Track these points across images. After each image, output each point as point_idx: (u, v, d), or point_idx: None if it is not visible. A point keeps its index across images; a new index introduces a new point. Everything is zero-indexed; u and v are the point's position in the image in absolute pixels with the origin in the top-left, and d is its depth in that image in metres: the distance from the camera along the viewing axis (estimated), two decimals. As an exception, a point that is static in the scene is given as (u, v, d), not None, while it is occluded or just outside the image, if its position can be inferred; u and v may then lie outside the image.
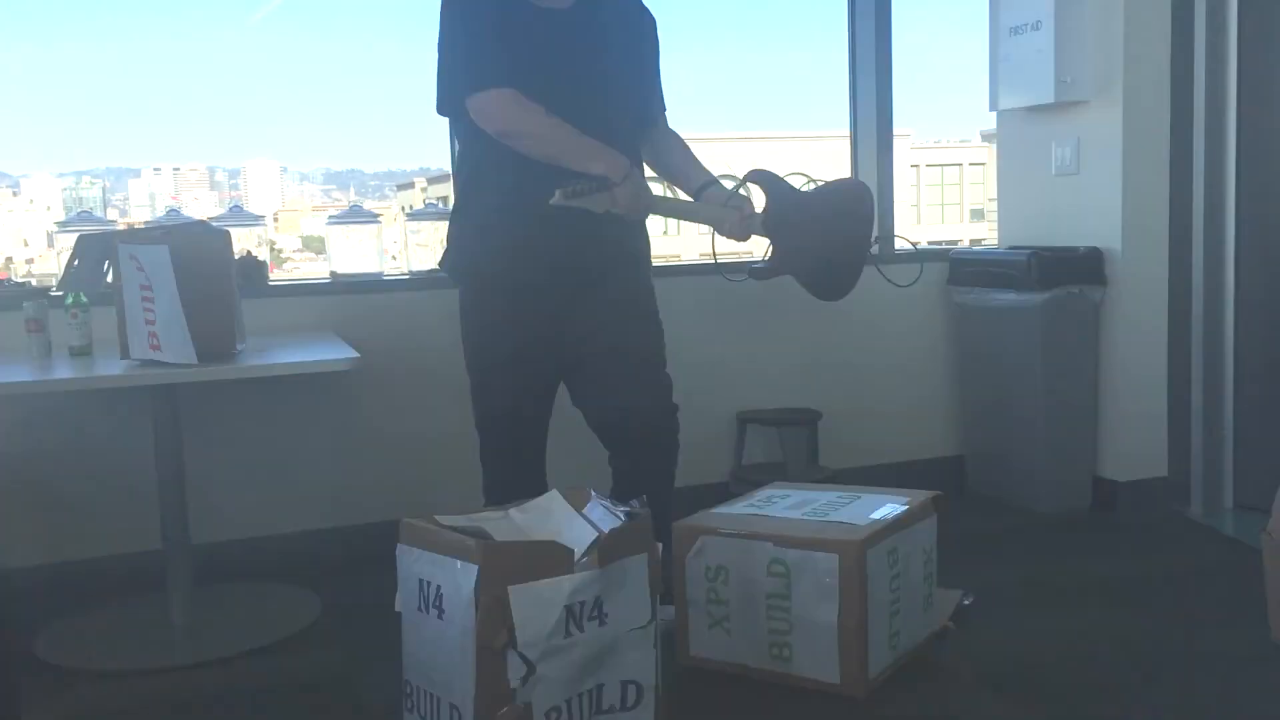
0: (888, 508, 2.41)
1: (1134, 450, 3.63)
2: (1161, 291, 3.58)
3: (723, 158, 2.83)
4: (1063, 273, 3.52)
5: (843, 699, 2.25)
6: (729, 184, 2.58)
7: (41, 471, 3.10)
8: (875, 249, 2.62)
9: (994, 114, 3.91)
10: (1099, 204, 3.56)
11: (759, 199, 2.58)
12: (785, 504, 2.50)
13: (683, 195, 2.66)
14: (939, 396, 3.99)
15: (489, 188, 2.53)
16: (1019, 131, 3.87)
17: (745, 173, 2.55)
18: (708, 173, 2.63)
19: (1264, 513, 2.45)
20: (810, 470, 3.62)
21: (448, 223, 2.68)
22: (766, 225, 2.53)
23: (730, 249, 2.84)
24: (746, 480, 3.61)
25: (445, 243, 2.67)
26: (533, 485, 2.52)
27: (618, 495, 2.55)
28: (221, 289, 2.59)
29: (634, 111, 2.60)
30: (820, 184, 2.66)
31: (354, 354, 2.62)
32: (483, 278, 2.58)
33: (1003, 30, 3.68)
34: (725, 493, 3.58)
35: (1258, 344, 3.49)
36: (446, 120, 3.63)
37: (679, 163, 2.67)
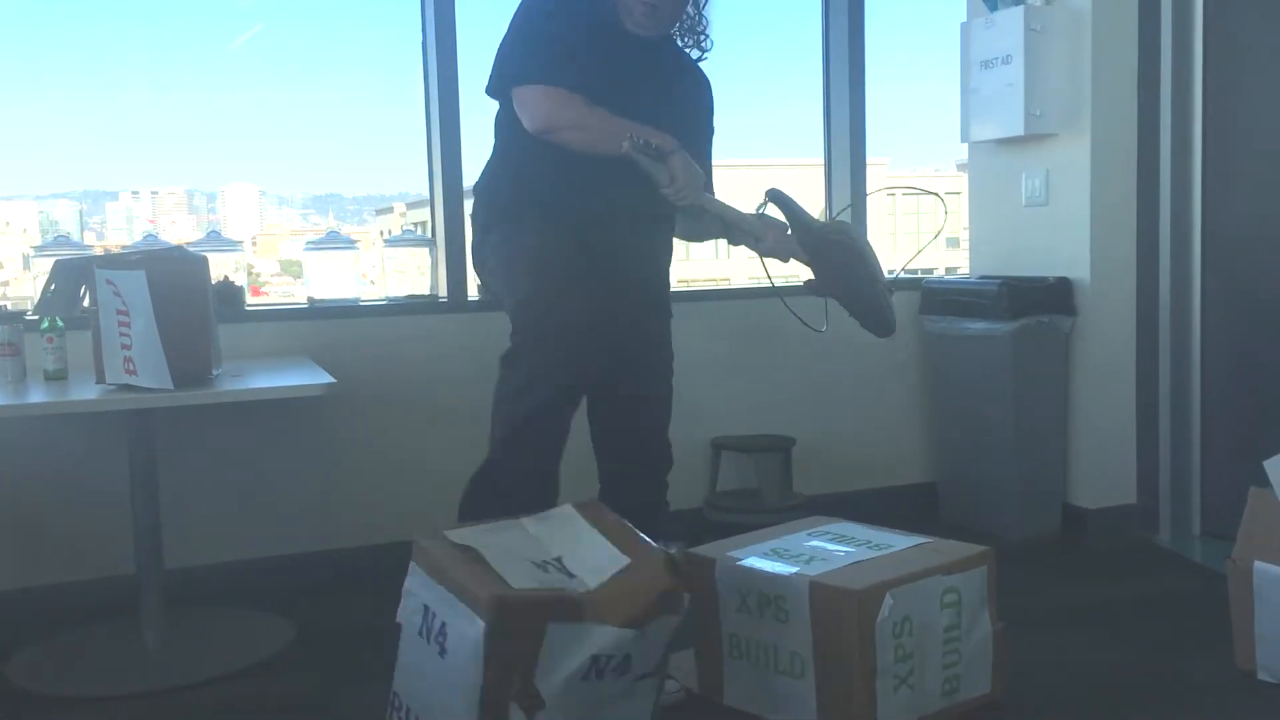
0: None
1: (1103, 478, 3.67)
2: (1129, 321, 3.63)
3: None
4: (1032, 302, 3.57)
5: (993, 709, 2.32)
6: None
7: (15, 495, 3.10)
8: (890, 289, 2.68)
9: (966, 145, 3.98)
10: (1068, 235, 3.62)
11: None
12: (833, 543, 2.41)
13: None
14: (911, 424, 4.03)
15: (526, 190, 2.57)
16: (990, 163, 3.94)
17: (767, 190, 2.59)
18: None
19: (1231, 540, 2.49)
20: (784, 497, 3.65)
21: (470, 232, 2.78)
22: (804, 247, 2.58)
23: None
24: (720, 507, 3.64)
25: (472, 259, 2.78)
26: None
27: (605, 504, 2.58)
28: (198, 314, 2.60)
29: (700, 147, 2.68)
30: (825, 222, 2.72)
31: (330, 379, 2.63)
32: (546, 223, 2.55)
33: (974, 64, 3.74)
34: (699, 519, 3.61)
35: (1223, 374, 3.55)
36: (427, 145, 3.69)
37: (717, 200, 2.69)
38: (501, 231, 2.60)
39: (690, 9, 2.69)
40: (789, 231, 2.59)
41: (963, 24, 3.81)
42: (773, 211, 2.61)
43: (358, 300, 3.51)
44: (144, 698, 2.54)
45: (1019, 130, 3.58)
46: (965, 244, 4.15)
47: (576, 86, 2.43)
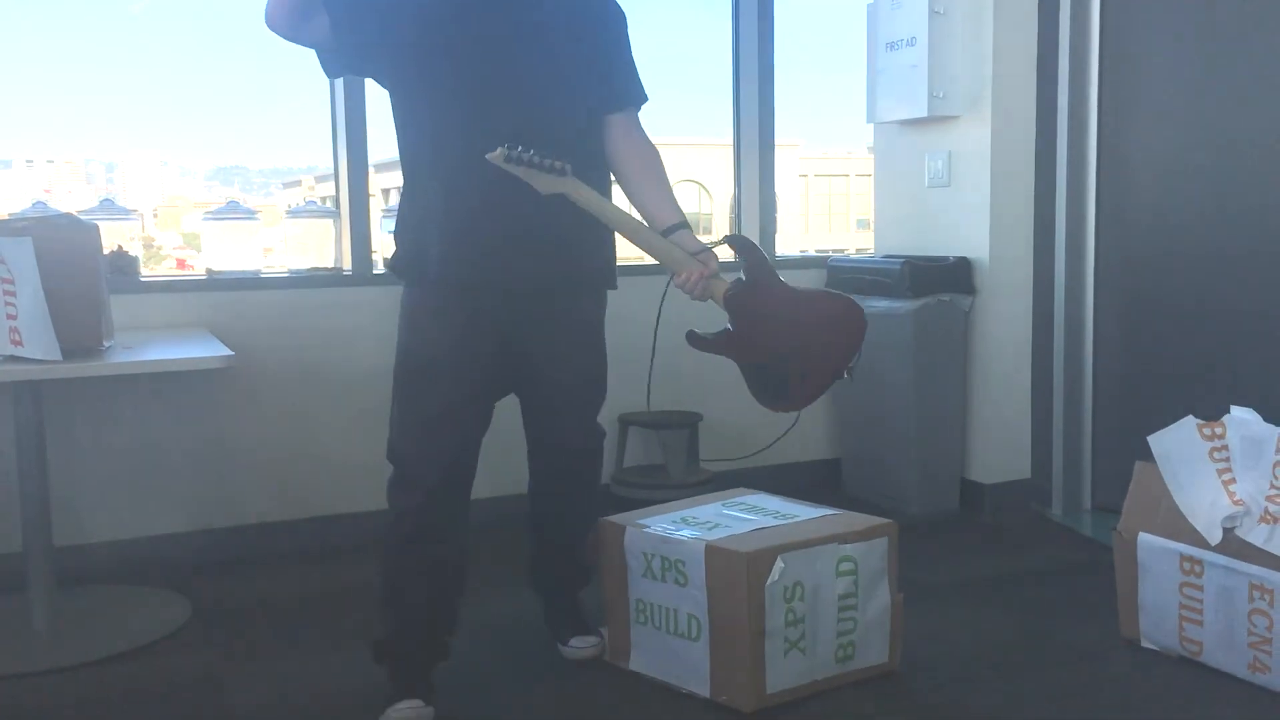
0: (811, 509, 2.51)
1: (999, 454, 3.76)
2: (1026, 301, 3.72)
3: None
4: (934, 281, 3.63)
5: (887, 678, 2.39)
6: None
7: (-106, 471, 2.99)
8: (848, 376, 2.36)
9: (872, 126, 4.03)
10: (969, 215, 3.69)
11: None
12: (743, 512, 2.47)
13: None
14: (816, 401, 4.07)
15: (425, 175, 2.27)
16: (895, 144, 3.99)
17: (727, 235, 2.36)
18: (681, 214, 2.32)
19: (1120, 513, 2.57)
20: (690, 472, 3.67)
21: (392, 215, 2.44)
22: (732, 298, 2.28)
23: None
24: (627, 483, 3.65)
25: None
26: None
27: (535, 492, 2.55)
28: (88, 284, 2.52)
29: (569, 98, 2.29)
30: (813, 290, 2.50)
31: (227, 352, 2.58)
32: (423, 273, 2.29)
33: (880, 45, 3.79)
34: (607, 494, 3.61)
35: (1115, 352, 3.65)
36: (332, 117, 3.61)
37: (649, 192, 2.34)
38: None
39: None
40: (733, 282, 2.30)
41: (869, 5, 3.85)
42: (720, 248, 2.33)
43: (258, 272, 3.44)
44: (30, 677, 2.47)
45: (922, 112, 3.63)
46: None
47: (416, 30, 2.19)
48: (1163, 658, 2.49)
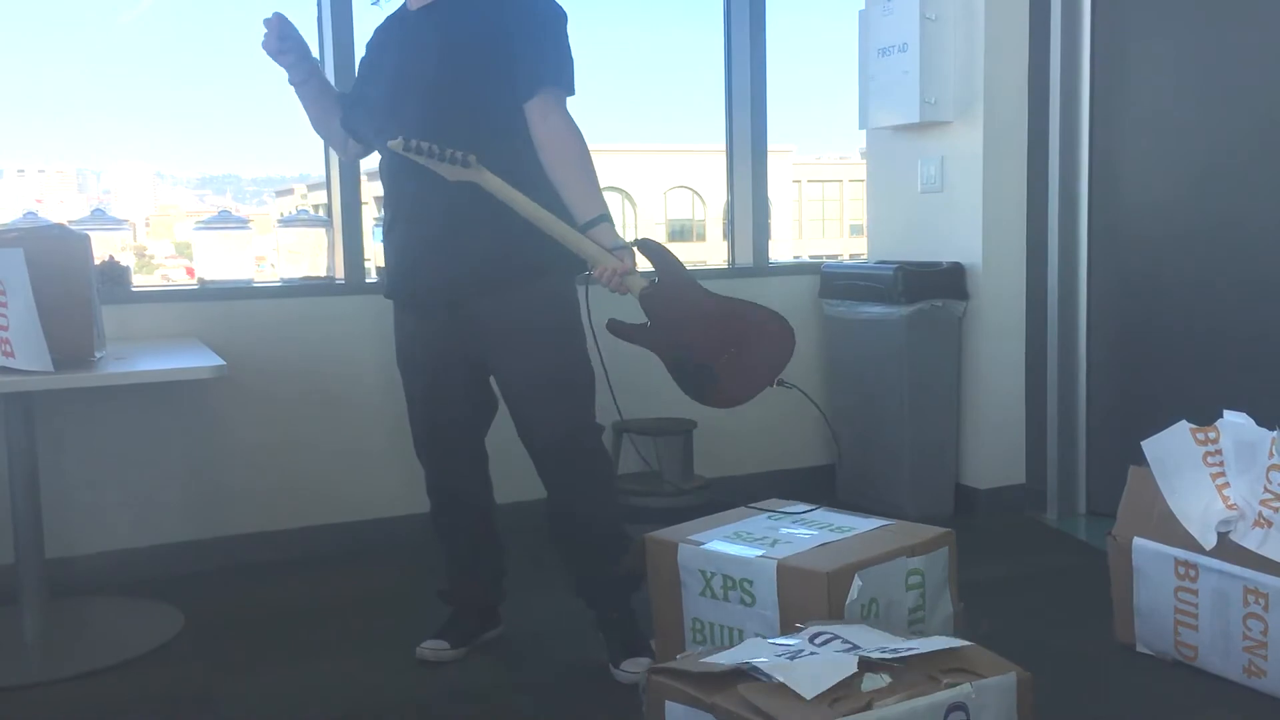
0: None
1: (994, 459, 3.76)
2: (1019, 306, 3.72)
3: (605, 169, 2.69)
4: (927, 287, 3.63)
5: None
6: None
7: (-116, 483, 2.97)
8: (778, 385, 2.44)
9: (864, 132, 4.03)
10: (961, 220, 3.69)
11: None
12: (796, 526, 2.35)
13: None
14: (810, 407, 4.06)
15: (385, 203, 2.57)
16: (887, 150, 3.99)
17: (638, 239, 2.37)
18: (602, 206, 2.36)
19: (1114, 518, 2.56)
20: (685, 479, 3.67)
21: None
22: (646, 297, 2.37)
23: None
24: (623, 490, 3.64)
25: None
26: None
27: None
28: (80, 294, 2.51)
29: (485, 90, 2.34)
30: (731, 298, 2.45)
31: (219, 362, 2.57)
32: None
33: (872, 52, 3.79)
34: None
35: (1108, 357, 3.66)
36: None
37: (569, 184, 2.35)
38: None
39: None
40: (643, 274, 2.37)
41: (861, 11, 3.86)
42: (642, 260, 2.40)
43: (250, 281, 3.43)
44: (22, 690, 2.46)
45: (914, 118, 3.63)
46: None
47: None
48: (1158, 663, 2.48)
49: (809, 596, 2.06)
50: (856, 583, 2.06)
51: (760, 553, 2.16)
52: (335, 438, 3.41)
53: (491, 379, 2.54)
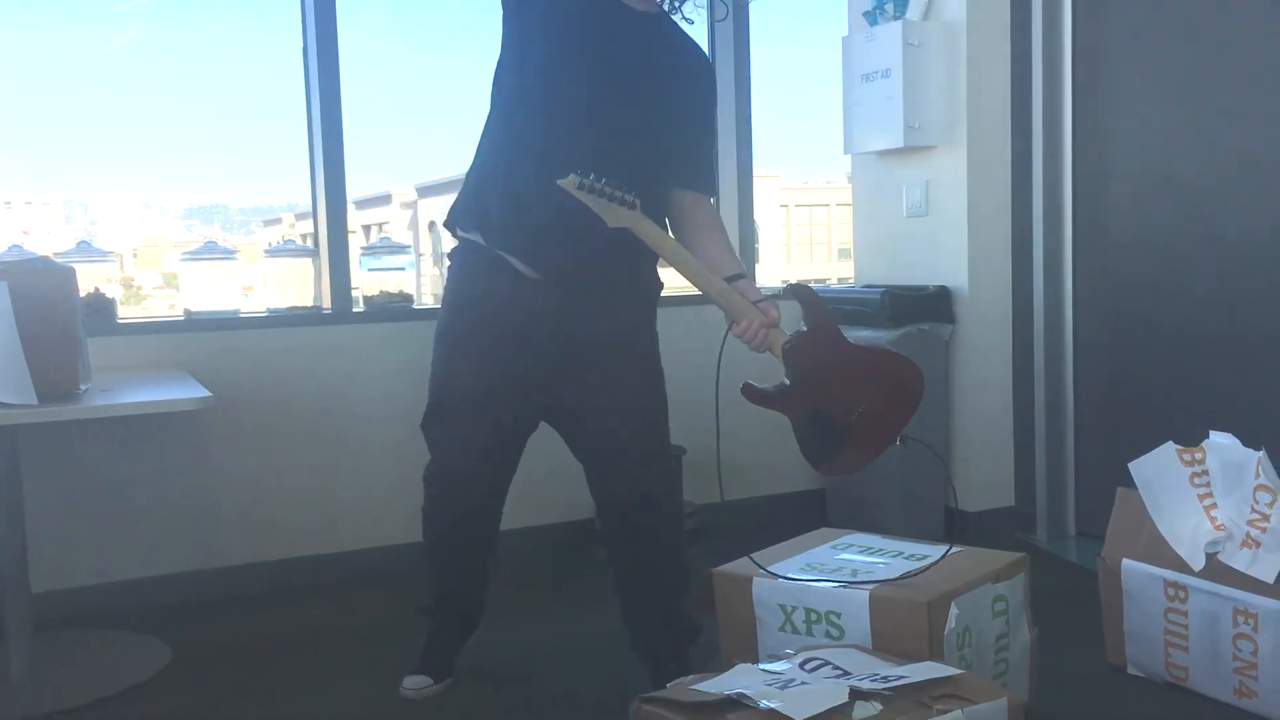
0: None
1: (983, 481, 3.76)
2: (1006, 329, 3.73)
3: None
4: (914, 310, 3.65)
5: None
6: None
7: None
8: (901, 443, 2.27)
9: (849, 157, 4.05)
10: (947, 244, 3.71)
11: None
12: (864, 555, 2.29)
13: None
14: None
15: (493, 188, 2.34)
16: (873, 174, 4.01)
17: (790, 284, 2.32)
18: (741, 265, 2.37)
19: (1104, 540, 2.57)
20: (674, 505, 3.66)
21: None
22: (791, 350, 2.25)
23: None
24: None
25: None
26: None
27: (612, 552, 2.54)
28: (64, 327, 2.50)
29: (659, 157, 2.36)
30: (876, 349, 2.44)
31: (205, 393, 2.56)
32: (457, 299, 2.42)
33: (855, 77, 3.82)
34: (590, 529, 3.60)
35: (1095, 379, 3.67)
36: (310, 154, 3.61)
37: (712, 246, 2.35)
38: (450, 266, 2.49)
39: None
40: (794, 334, 2.28)
41: (844, 38, 3.89)
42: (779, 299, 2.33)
43: (237, 312, 3.42)
44: (7, 727, 2.44)
45: (899, 142, 3.66)
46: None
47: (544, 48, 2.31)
48: (1149, 684, 2.48)
49: (906, 627, 1.99)
50: (954, 611, 2.00)
51: (845, 583, 2.09)
52: (322, 467, 3.40)
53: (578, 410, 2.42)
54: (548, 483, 3.18)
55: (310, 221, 3.70)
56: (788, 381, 2.28)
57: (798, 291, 2.31)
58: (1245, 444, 2.36)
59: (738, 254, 2.50)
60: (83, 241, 3.40)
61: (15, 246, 3.16)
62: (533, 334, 2.34)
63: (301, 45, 3.53)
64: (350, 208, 3.62)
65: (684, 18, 2.49)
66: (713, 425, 2.37)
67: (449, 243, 2.54)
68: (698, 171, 2.43)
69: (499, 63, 2.39)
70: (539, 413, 2.44)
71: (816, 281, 4.58)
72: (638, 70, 2.34)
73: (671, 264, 2.25)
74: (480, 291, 2.39)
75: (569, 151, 2.23)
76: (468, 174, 2.43)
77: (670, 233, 2.36)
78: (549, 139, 2.29)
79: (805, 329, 2.28)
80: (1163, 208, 3.48)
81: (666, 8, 2.44)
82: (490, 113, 2.40)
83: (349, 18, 3.50)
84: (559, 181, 2.11)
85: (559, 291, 2.32)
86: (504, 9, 2.38)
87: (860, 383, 2.26)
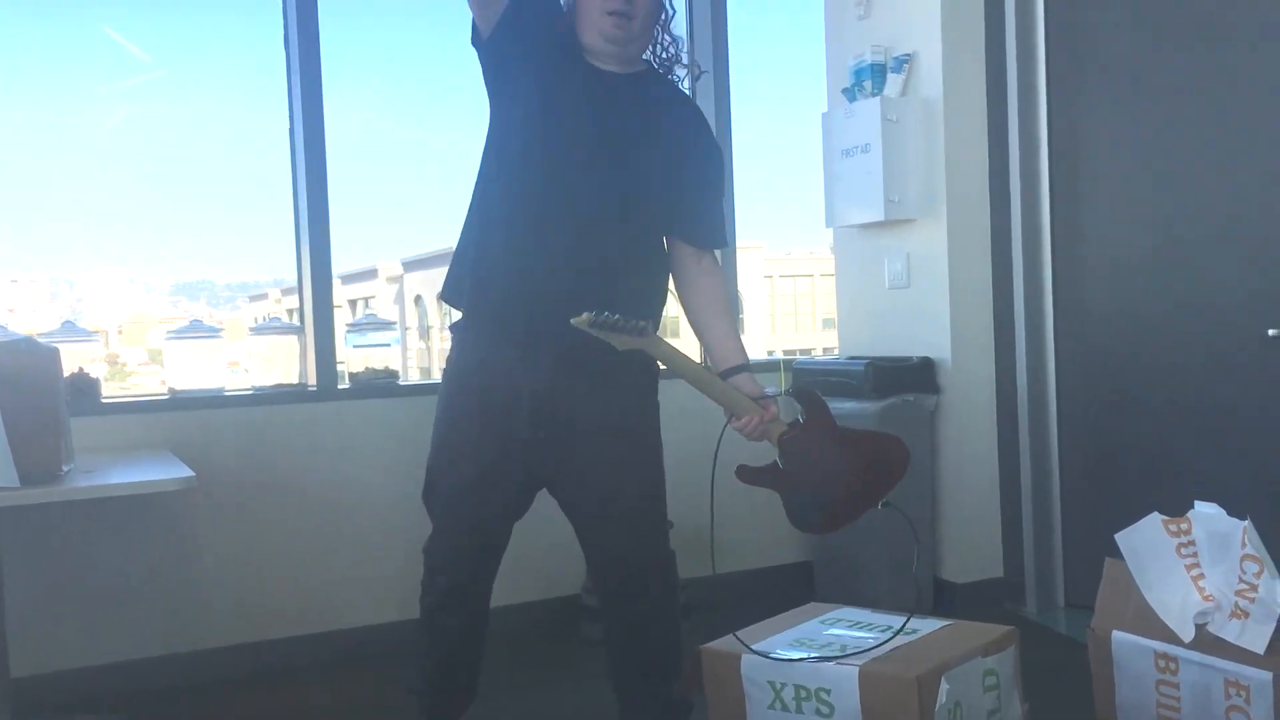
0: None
1: (971, 553, 3.75)
2: (990, 400, 3.75)
3: None
4: (898, 382, 3.66)
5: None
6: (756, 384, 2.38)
7: None
8: (881, 507, 2.37)
9: (831, 230, 4.10)
10: (929, 316, 3.74)
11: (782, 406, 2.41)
12: (853, 630, 2.28)
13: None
14: (780, 505, 4.06)
15: (492, 265, 2.33)
16: (854, 247, 4.05)
17: (792, 387, 2.41)
18: (744, 355, 2.41)
19: (1093, 610, 2.55)
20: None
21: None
22: (788, 441, 2.34)
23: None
24: (588, 590, 3.60)
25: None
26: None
27: (607, 627, 2.50)
28: (48, 408, 2.49)
29: (657, 211, 2.39)
30: (867, 431, 2.49)
31: (188, 473, 2.55)
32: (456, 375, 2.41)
33: (835, 152, 3.87)
34: (578, 605, 3.57)
35: (1080, 448, 3.68)
36: (295, 230, 3.63)
37: (716, 330, 2.43)
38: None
39: (659, 32, 2.44)
40: (790, 425, 2.34)
41: (824, 114, 3.95)
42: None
43: (221, 390, 3.42)
44: (-18, 818, 2.38)
45: (879, 216, 3.70)
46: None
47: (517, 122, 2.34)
48: (1143, 758, 2.45)
49: (896, 703, 1.98)
50: (944, 686, 2.00)
51: (834, 659, 2.08)
52: (307, 546, 3.38)
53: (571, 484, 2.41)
54: (531, 557, 3.15)
55: (295, 296, 3.71)
56: (780, 464, 2.35)
57: (801, 396, 2.38)
58: (1230, 513, 2.36)
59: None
60: (67, 321, 3.40)
61: None
62: (526, 409, 2.32)
63: (289, 125, 3.57)
64: (336, 282, 3.63)
65: (676, 79, 2.52)
66: (698, 499, 2.40)
67: (435, 317, 2.55)
68: (696, 224, 2.44)
69: (486, 136, 2.42)
70: (536, 484, 2.42)
71: (802, 351, 4.58)
72: (617, 128, 2.34)
73: (681, 375, 2.28)
74: (476, 364, 2.39)
75: (538, 219, 2.28)
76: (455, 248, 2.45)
77: (676, 288, 2.44)
78: (513, 208, 2.31)
79: (803, 422, 2.35)
80: (1142, 277, 3.53)
81: (656, 66, 2.47)
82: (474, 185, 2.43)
83: (336, 93, 3.55)
84: (573, 321, 2.06)
85: (551, 366, 2.31)
86: (485, 84, 2.41)
87: (850, 462, 2.36)
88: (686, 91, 2.56)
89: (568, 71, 2.35)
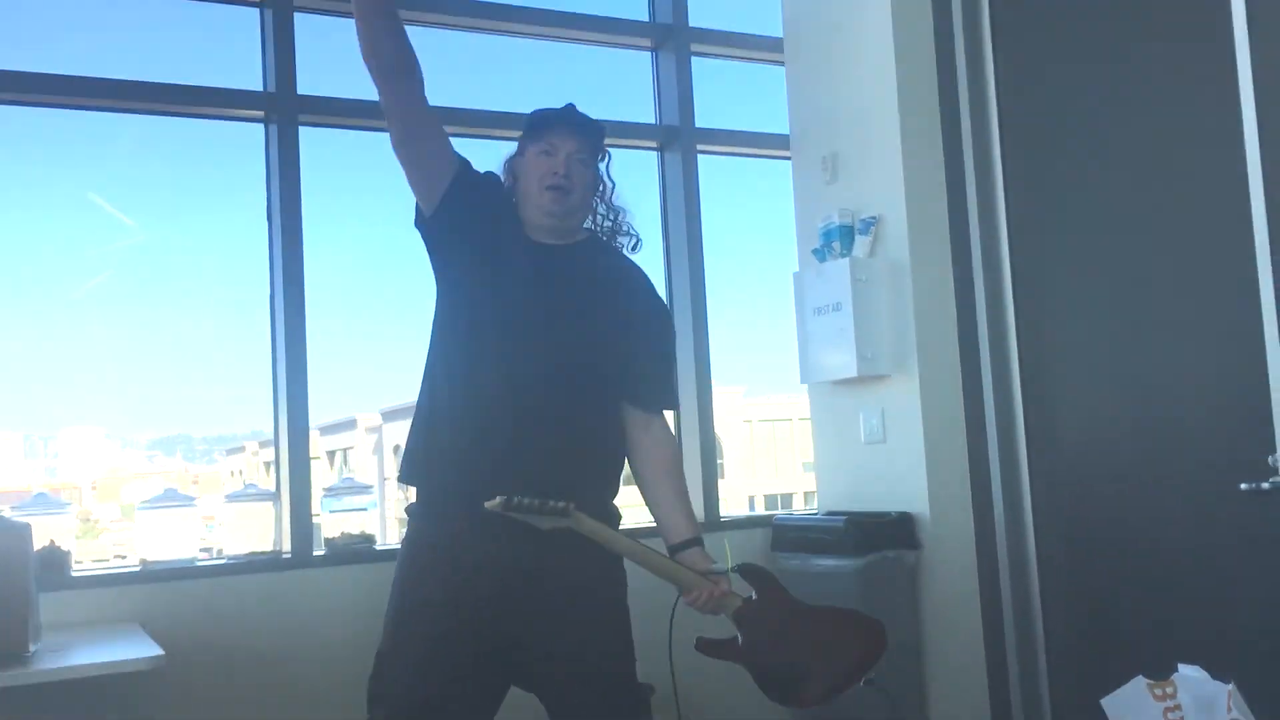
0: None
1: (959, 709, 3.68)
2: (970, 556, 3.73)
3: None
4: (877, 538, 3.65)
5: None
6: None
7: None
8: (864, 684, 2.36)
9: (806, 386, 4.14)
10: (905, 470, 3.75)
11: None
12: None
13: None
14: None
15: (444, 447, 2.35)
16: (830, 402, 4.09)
17: (739, 565, 2.37)
18: (695, 527, 2.42)
19: (1080, 774, 2.50)
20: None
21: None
22: (742, 615, 2.35)
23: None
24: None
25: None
26: None
27: None
28: (17, 587, 2.47)
29: (605, 378, 2.42)
30: (827, 606, 2.46)
31: (156, 652, 2.50)
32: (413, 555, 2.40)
33: (808, 310, 3.94)
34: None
35: (1062, 601, 3.65)
36: (273, 389, 3.63)
37: (665, 502, 2.43)
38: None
39: (598, 204, 2.54)
40: (743, 602, 2.34)
41: (795, 273, 4.03)
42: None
43: (193, 560, 3.37)
44: None
45: (853, 372, 3.75)
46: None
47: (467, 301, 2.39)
48: None
49: None
50: None
51: None
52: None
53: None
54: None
55: (273, 449, 3.70)
56: (740, 639, 2.35)
57: (749, 574, 2.36)
58: (1214, 675, 2.34)
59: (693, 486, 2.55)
60: (40, 493, 3.38)
61: (-30, 501, 3.13)
62: (485, 589, 2.28)
63: (269, 289, 3.61)
64: (314, 434, 3.62)
65: (621, 245, 2.58)
66: (681, 659, 2.41)
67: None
68: (644, 387, 2.47)
69: (434, 314, 2.47)
70: (499, 668, 2.35)
71: (783, 495, 4.59)
72: (561, 302, 2.40)
73: (620, 553, 2.28)
74: (430, 540, 2.37)
75: (485, 401, 2.31)
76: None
77: (628, 454, 2.44)
78: (461, 392, 2.35)
79: (755, 597, 2.35)
80: (1115, 421, 3.53)
81: (599, 233, 2.54)
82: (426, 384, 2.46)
83: (315, 240, 3.58)
84: (487, 505, 2.08)
85: (508, 543, 2.26)
86: (431, 263, 2.47)
87: (815, 634, 2.34)
88: (630, 257, 2.60)
89: (510, 249, 2.41)
